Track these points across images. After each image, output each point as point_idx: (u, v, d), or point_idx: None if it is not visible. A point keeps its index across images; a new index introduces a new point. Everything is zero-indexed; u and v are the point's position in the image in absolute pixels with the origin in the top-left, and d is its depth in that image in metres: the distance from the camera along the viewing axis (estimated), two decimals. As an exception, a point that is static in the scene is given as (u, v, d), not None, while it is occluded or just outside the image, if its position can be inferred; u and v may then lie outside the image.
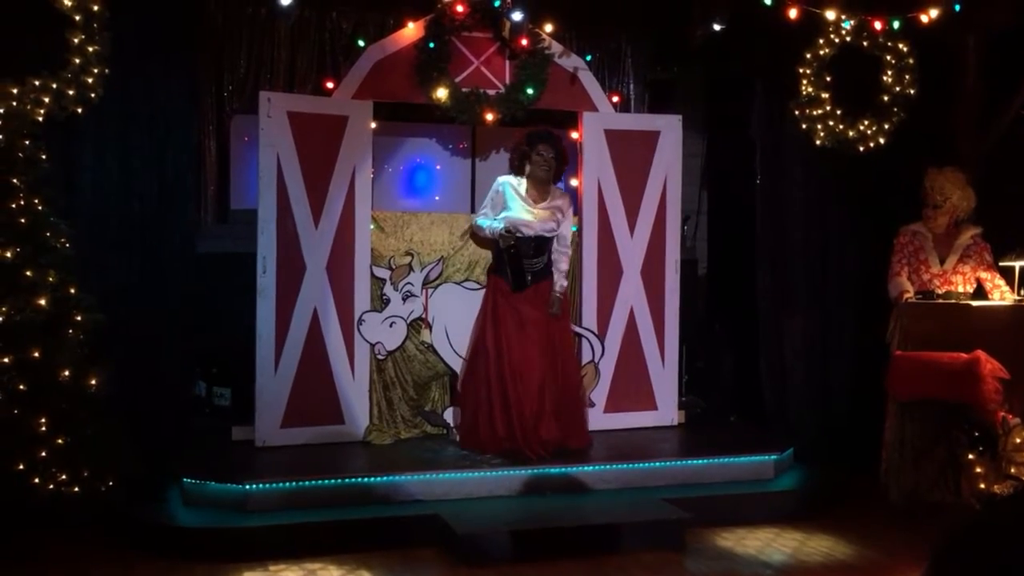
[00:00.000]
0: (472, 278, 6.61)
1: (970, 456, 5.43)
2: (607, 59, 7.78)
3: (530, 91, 6.42)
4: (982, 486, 5.25)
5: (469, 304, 6.52)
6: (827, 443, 6.70)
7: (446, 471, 5.71)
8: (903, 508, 5.81)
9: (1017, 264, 6.08)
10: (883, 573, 4.90)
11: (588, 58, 6.91)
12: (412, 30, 6.34)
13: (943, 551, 1.03)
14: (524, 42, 6.38)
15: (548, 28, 6.50)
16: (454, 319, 6.51)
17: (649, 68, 7.98)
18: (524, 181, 6.19)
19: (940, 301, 5.98)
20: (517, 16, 6.26)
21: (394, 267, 6.45)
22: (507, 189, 6.18)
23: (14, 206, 4.90)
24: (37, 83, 5.34)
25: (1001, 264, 6.18)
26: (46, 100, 5.36)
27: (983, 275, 6.19)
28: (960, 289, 6.14)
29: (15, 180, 4.93)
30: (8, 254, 4.81)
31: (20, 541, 4.76)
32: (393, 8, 6.62)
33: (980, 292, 6.18)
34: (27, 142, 5.03)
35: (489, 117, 6.45)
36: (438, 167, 7.72)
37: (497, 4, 6.27)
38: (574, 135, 6.83)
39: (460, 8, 6.24)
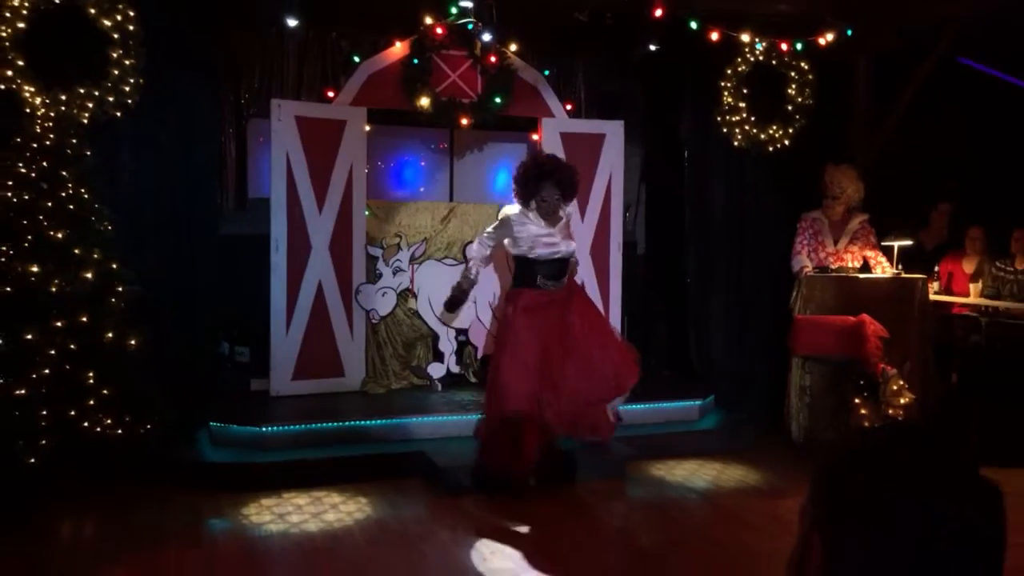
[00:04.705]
0: (451, 256, 6.61)
1: (856, 400, 5.53)
2: (562, 73, 7.74)
3: (498, 100, 6.41)
4: (866, 425, 5.35)
5: (448, 277, 6.49)
6: (742, 391, 6.79)
7: (430, 415, 5.75)
8: (802, 444, 5.91)
9: (896, 244, 6.18)
10: (784, 495, 4.99)
11: (547, 72, 6.89)
12: (399, 48, 6.30)
13: (822, 471, 1.07)
14: (493, 59, 6.35)
15: (513, 47, 6.48)
16: (435, 289, 6.51)
17: (597, 81, 7.97)
18: (534, 212, 4.92)
19: (833, 274, 6.08)
20: (487, 37, 6.24)
21: (385, 247, 6.44)
22: (518, 222, 4.89)
23: (63, 195, 4.84)
24: (82, 91, 5.28)
25: (883, 244, 6.28)
26: (90, 105, 5.31)
27: (869, 253, 6.28)
28: (850, 265, 6.23)
29: (64, 173, 4.86)
30: (59, 235, 4.75)
31: (74, 477, 4.74)
32: (384, 30, 6.56)
33: (866, 267, 6.28)
34: (74, 141, 4.96)
35: (464, 121, 6.44)
36: (422, 163, 7.69)
37: (470, 27, 6.24)
38: (535, 137, 6.83)
39: (439, 30, 6.21)
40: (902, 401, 5.33)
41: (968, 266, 6.70)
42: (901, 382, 5.40)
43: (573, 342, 4.85)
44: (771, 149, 6.88)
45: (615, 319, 6.84)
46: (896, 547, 0.94)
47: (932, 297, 6.17)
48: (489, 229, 5.06)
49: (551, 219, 4.93)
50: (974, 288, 6.42)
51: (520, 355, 4.77)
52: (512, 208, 4.91)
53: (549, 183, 4.84)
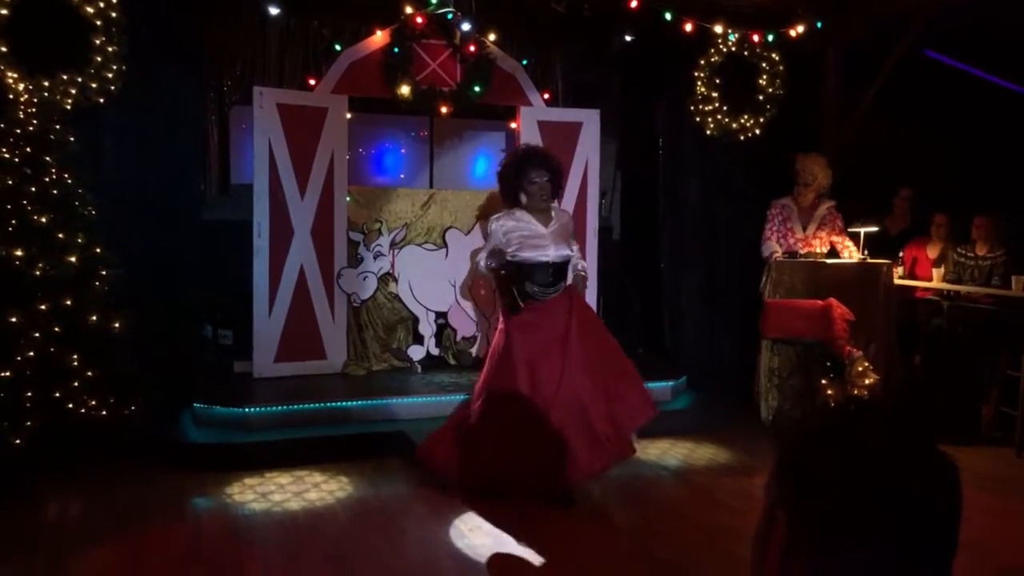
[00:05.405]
0: (430, 241, 6.58)
1: (823, 381, 5.57)
2: (540, 63, 7.72)
3: (477, 88, 6.37)
4: (830, 403, 5.40)
5: (428, 262, 6.52)
6: (713, 373, 6.82)
7: (410, 396, 5.74)
8: (770, 423, 5.96)
9: (862, 230, 6.22)
10: (753, 473, 5.04)
11: (524, 62, 6.86)
12: (380, 37, 6.24)
13: (787, 448, 1.07)
14: (472, 48, 6.31)
15: (491, 37, 6.44)
16: (415, 274, 6.51)
17: (574, 71, 7.95)
18: (522, 211, 4.64)
19: (802, 259, 6.11)
20: (466, 27, 6.20)
21: (366, 232, 6.40)
22: (507, 225, 4.60)
23: (47, 180, 4.76)
24: (65, 77, 5.19)
25: (850, 230, 6.32)
26: (73, 92, 5.23)
27: (836, 239, 6.32)
28: (818, 250, 6.27)
29: (47, 158, 4.79)
30: (43, 219, 4.68)
31: (60, 458, 4.69)
32: (365, 19, 6.50)
33: (833, 252, 6.32)
34: (57, 126, 4.88)
35: (444, 109, 6.40)
36: (402, 150, 7.66)
37: (450, 17, 6.19)
38: (513, 125, 6.80)
39: (419, 20, 6.16)
40: (867, 381, 5.38)
41: (932, 251, 6.76)
42: (866, 363, 5.45)
43: (569, 355, 4.50)
44: (742, 138, 6.89)
45: (591, 297, 6.83)
46: (856, 521, 0.94)
47: (896, 281, 6.22)
48: (483, 252, 4.74)
49: (543, 212, 4.63)
50: (937, 273, 6.48)
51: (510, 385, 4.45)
52: (498, 216, 4.68)
53: (535, 166, 4.62)
